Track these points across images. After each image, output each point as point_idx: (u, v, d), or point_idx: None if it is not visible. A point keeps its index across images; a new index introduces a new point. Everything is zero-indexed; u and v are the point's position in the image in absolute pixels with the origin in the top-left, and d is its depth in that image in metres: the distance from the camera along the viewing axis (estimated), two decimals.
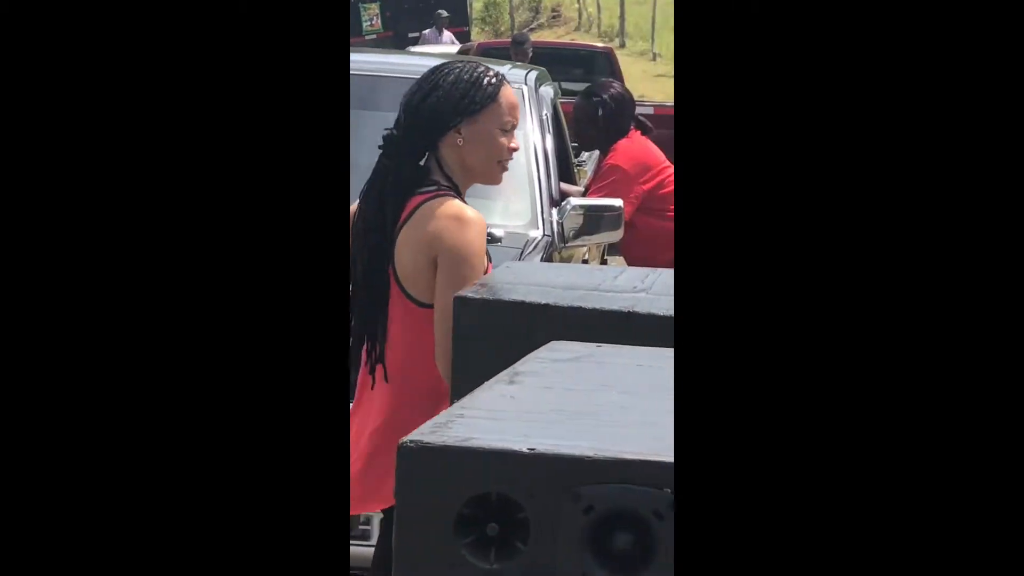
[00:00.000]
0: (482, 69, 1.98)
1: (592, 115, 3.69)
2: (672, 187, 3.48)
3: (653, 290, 1.32)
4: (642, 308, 1.23)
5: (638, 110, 5.89)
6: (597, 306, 1.25)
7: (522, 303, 1.26)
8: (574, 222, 3.26)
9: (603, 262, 4.81)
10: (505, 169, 2.00)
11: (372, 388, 1.88)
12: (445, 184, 1.88)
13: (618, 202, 3.32)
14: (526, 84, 3.68)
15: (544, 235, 3.27)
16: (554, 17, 23.53)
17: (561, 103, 5.47)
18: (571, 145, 4.23)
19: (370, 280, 1.86)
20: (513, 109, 1.96)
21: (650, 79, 15.91)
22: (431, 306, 1.80)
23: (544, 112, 3.73)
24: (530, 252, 3.14)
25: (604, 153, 3.72)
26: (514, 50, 8.64)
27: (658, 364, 0.99)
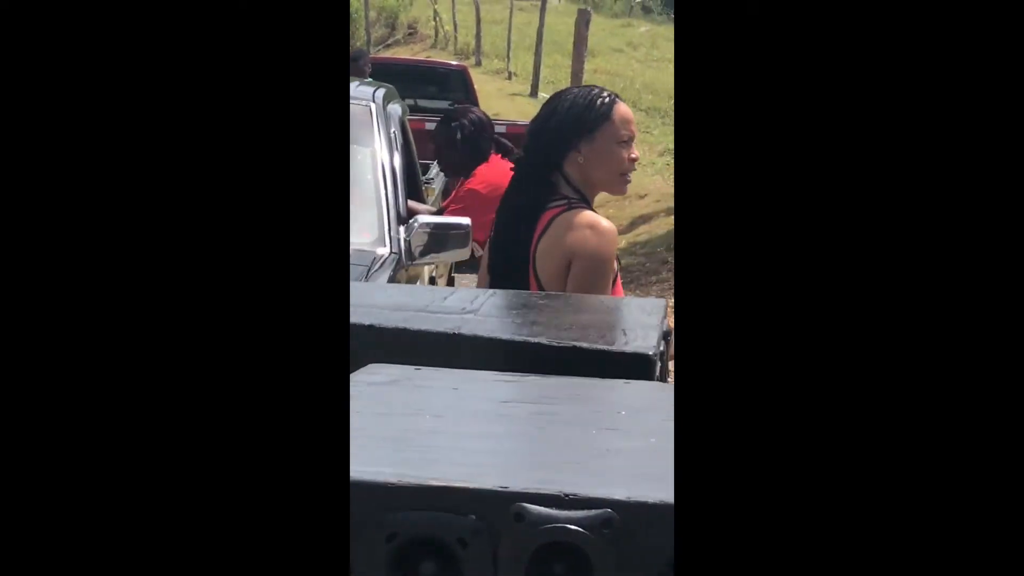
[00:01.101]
0: (596, 91, 2.19)
1: (452, 139, 3.70)
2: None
3: (481, 311, 1.32)
4: (468, 330, 1.23)
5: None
6: (422, 327, 1.23)
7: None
8: (420, 240, 3.25)
9: (451, 281, 4.84)
10: (628, 181, 2.21)
11: None
12: (574, 196, 2.09)
13: (465, 220, 3.33)
14: (373, 102, 3.71)
15: (391, 252, 3.26)
16: (410, 34, 23.53)
17: (412, 120, 5.48)
18: (419, 163, 4.23)
19: (508, 287, 2.01)
20: (627, 123, 2.16)
21: (505, 97, 16.08)
22: None
23: (392, 129, 3.73)
24: (377, 269, 3.12)
25: (466, 177, 3.73)
26: (351, 67, 8.50)
27: (474, 387, 0.99)
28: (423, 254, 3.28)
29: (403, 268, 3.28)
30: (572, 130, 2.09)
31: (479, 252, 3.59)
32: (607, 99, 2.14)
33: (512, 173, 3.70)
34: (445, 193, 4.54)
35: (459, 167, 3.80)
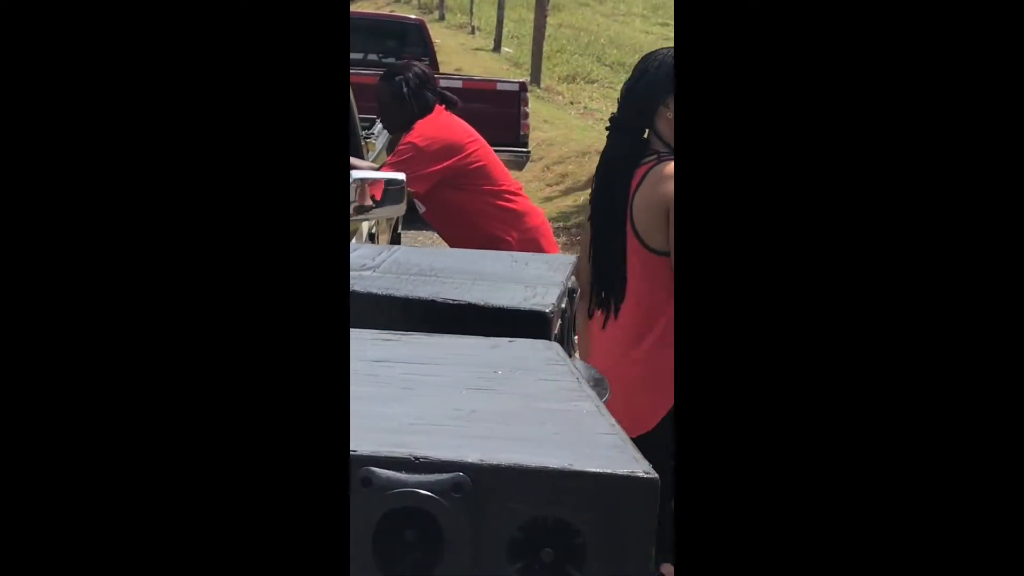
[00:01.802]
0: None
1: (397, 94, 3.65)
2: (485, 161, 3.53)
3: (381, 268, 1.29)
4: (361, 286, 1.20)
5: (449, 84, 5.80)
6: None
7: None
8: (354, 195, 3.25)
9: (396, 237, 4.84)
10: None
11: (603, 328, 2.32)
12: (665, 150, 2.21)
13: (400, 175, 3.33)
14: None
15: None
16: None
17: (365, 74, 5.43)
18: (361, 118, 4.19)
19: (609, 239, 2.27)
20: None
21: (468, 52, 15.99)
22: (666, 254, 2.18)
23: None
24: None
25: (406, 132, 3.67)
26: None
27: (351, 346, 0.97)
28: (359, 211, 3.29)
29: None
30: (663, 88, 2.20)
31: (421, 208, 3.63)
32: None
33: (443, 123, 3.68)
34: (389, 149, 4.50)
35: (405, 123, 3.76)
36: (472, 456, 0.74)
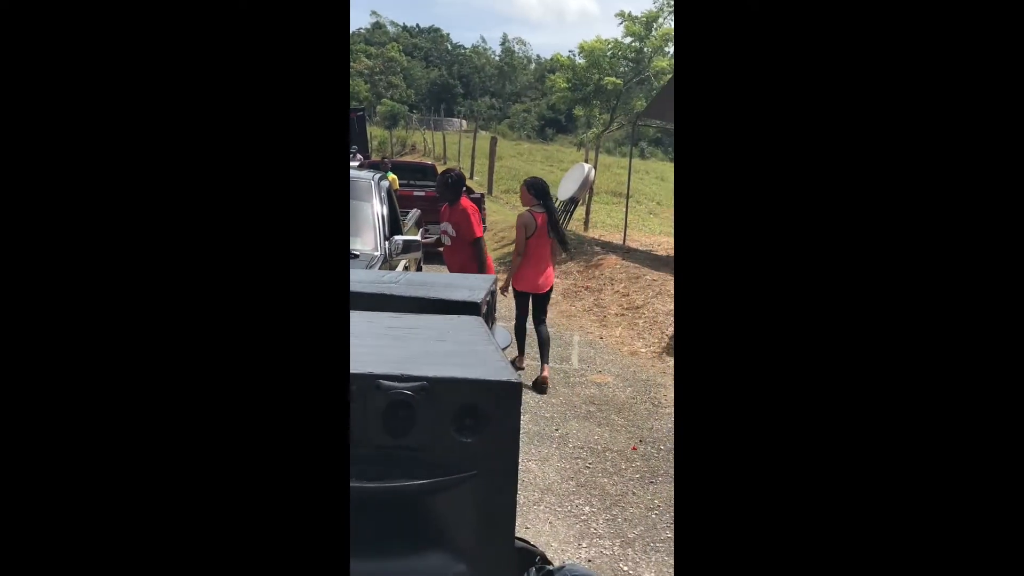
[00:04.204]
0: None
1: (445, 182, 6.64)
2: (472, 219, 6.59)
3: (400, 282, 1.96)
4: (387, 291, 1.86)
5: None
6: (355, 290, 1.88)
7: None
8: (395, 248, 6.28)
9: (419, 269, 8.16)
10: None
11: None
12: (536, 206, 5.26)
13: (417, 237, 6.59)
14: (372, 180, 6.79)
15: (381, 254, 5.99)
16: (411, 148, 41.63)
17: (404, 189, 12.77)
18: (401, 210, 8.42)
19: (553, 229, 5.61)
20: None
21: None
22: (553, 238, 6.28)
23: (382, 193, 6.70)
24: (373, 263, 5.75)
25: (452, 204, 6.71)
26: (381, 164, 16.60)
27: (364, 319, 1.57)
28: (396, 255, 6.26)
29: (387, 262, 6.02)
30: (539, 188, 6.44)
31: (447, 241, 6.22)
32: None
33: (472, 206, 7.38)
34: (417, 225, 8.27)
35: (447, 197, 6.61)
36: (431, 372, 1.21)
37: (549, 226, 6.45)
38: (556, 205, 12.62)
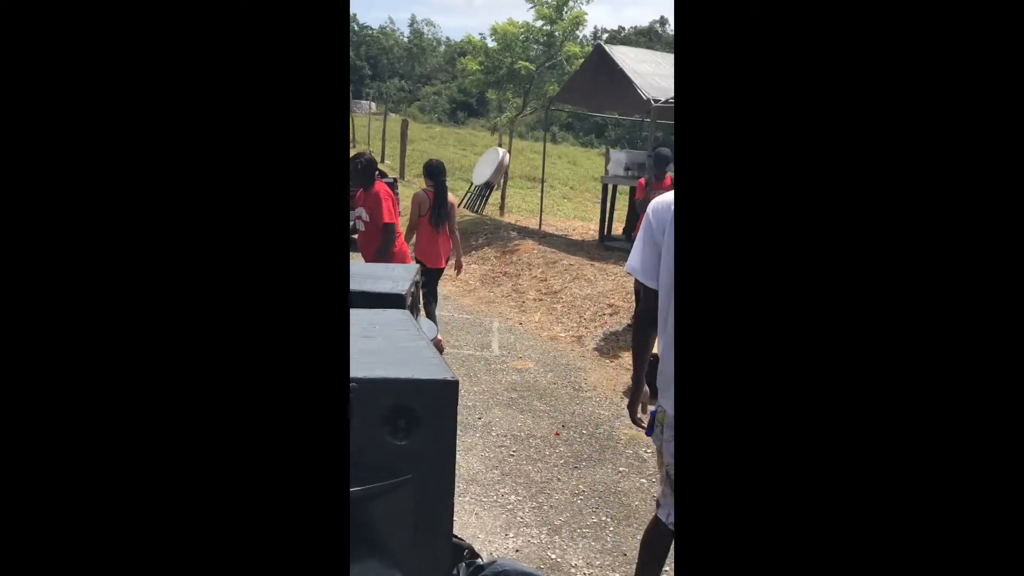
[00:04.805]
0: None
1: (355, 168, 6.32)
2: (383, 204, 6.35)
3: (392, 276, 1.97)
4: (384, 289, 1.85)
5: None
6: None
7: None
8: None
9: None
10: None
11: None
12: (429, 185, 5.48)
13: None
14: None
15: None
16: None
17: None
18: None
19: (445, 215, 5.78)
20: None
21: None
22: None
23: None
24: None
25: (366, 190, 6.35)
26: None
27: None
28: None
29: None
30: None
31: (360, 227, 6.25)
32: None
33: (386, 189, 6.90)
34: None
35: (358, 182, 6.37)
36: (361, 373, 1.25)
37: (433, 204, 6.82)
38: (471, 190, 13.00)
